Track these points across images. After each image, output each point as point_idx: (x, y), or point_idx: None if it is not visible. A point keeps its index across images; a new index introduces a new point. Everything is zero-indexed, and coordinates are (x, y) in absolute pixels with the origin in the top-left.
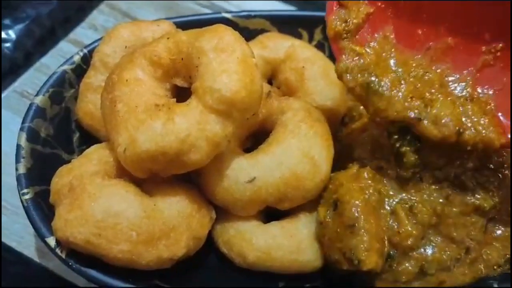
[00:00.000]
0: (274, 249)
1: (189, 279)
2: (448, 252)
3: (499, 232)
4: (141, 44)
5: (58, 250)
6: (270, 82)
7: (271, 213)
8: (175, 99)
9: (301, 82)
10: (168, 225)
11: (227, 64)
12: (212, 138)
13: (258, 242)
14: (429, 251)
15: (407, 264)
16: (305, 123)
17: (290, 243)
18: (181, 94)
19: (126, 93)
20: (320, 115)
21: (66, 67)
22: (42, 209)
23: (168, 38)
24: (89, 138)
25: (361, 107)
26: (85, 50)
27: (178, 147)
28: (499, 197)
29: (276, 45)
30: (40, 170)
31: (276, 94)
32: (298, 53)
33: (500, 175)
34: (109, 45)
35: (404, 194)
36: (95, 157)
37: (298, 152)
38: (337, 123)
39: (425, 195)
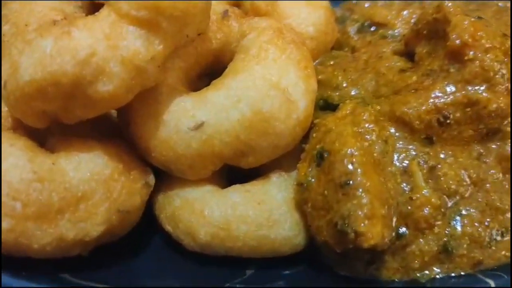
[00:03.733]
0: (234, 223)
1: (114, 271)
2: (488, 224)
3: None
4: None
5: None
6: None
7: (234, 176)
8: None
9: (273, 5)
10: (73, 192)
11: None
12: (130, 60)
13: (213, 214)
14: (457, 225)
15: (422, 241)
16: (274, 44)
17: (258, 213)
18: None
19: (15, 11)
20: (296, 36)
21: None
22: None
23: None
24: None
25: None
26: None
27: (76, 73)
28: None
29: None
30: None
31: (237, 15)
32: None
33: None
34: None
35: (423, 149)
36: None
37: (263, 82)
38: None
39: (450, 154)
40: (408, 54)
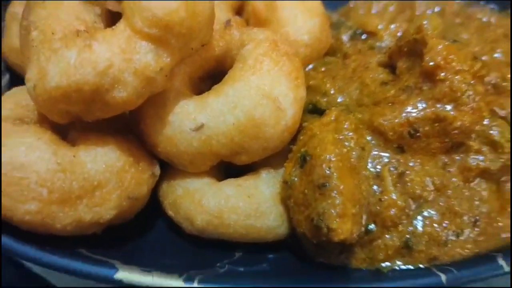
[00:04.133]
0: (226, 212)
1: (123, 248)
2: (447, 226)
3: None
4: None
5: None
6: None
7: (230, 170)
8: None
9: (272, 11)
10: (91, 181)
11: None
12: (142, 71)
13: (209, 204)
14: (418, 224)
15: (387, 236)
16: (268, 56)
17: (247, 205)
18: None
19: (43, 18)
20: (289, 48)
21: None
22: None
23: None
24: (23, 80)
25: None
26: None
27: (96, 82)
28: (509, 149)
29: None
30: None
31: (238, 24)
32: None
33: None
34: None
35: (395, 156)
36: (12, 100)
37: (256, 91)
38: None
39: (418, 163)
40: (391, 66)
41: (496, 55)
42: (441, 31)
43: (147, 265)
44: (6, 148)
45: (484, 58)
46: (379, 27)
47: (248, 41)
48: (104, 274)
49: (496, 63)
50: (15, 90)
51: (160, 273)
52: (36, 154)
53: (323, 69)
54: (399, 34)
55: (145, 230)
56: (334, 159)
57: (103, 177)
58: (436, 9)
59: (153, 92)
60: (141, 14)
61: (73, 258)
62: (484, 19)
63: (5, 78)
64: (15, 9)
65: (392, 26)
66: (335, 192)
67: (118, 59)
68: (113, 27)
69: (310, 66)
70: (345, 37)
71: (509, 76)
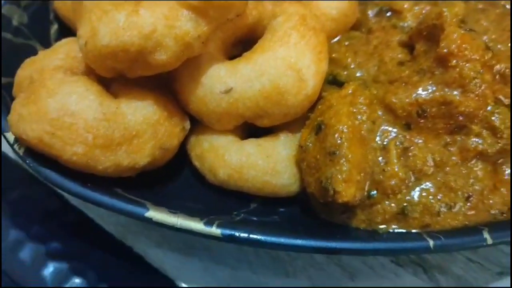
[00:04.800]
0: (246, 168)
1: (154, 191)
2: (441, 198)
3: (508, 173)
4: None
5: (16, 147)
6: None
7: (253, 130)
8: None
9: None
10: (130, 131)
11: None
12: (182, 37)
13: (231, 159)
14: (415, 195)
15: (387, 203)
16: (296, 30)
17: (265, 163)
18: None
19: None
20: (317, 23)
21: None
22: (5, 103)
23: None
24: (70, 31)
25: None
26: None
27: (140, 44)
28: (508, 135)
29: None
30: (9, 60)
31: None
32: None
33: None
34: None
35: (402, 132)
36: (63, 50)
37: (283, 62)
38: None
39: (422, 140)
40: (411, 46)
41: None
42: (462, 16)
43: (174, 208)
44: (59, 95)
45: (499, 46)
46: (405, 6)
47: (279, 13)
48: (137, 212)
49: (508, 53)
50: (67, 40)
51: (185, 215)
52: (85, 103)
53: (346, 43)
54: (421, 16)
55: (173, 177)
56: (346, 130)
57: (141, 128)
58: None
59: (190, 56)
60: None
61: (111, 196)
62: (507, 6)
63: (54, 28)
64: None
65: (416, 7)
66: (343, 160)
67: (161, 24)
68: None
69: (335, 39)
70: (371, 13)
71: None
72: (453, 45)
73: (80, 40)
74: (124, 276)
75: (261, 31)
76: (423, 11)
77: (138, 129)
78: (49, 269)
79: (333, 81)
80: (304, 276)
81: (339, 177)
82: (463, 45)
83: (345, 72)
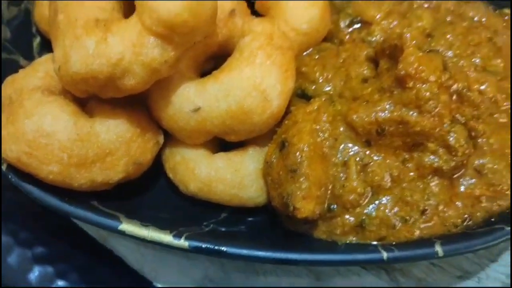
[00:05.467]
0: (215, 182)
1: (129, 202)
2: (397, 212)
3: (463, 187)
4: None
5: None
6: None
7: (225, 142)
8: (119, 15)
9: None
10: (103, 149)
11: None
12: (149, 64)
13: (201, 173)
14: (373, 209)
15: (346, 217)
16: (263, 50)
17: (233, 177)
18: None
19: (68, 4)
20: (284, 41)
21: None
22: None
23: None
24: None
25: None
26: None
27: (109, 72)
28: (464, 154)
29: None
30: None
31: (242, 12)
32: None
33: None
34: None
35: (362, 149)
36: (42, 68)
37: (248, 83)
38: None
39: (381, 157)
40: (376, 62)
41: (474, 59)
42: (430, 29)
43: (147, 220)
44: (35, 117)
45: (461, 62)
46: (377, 16)
47: (247, 32)
48: (110, 225)
49: (466, 73)
50: (46, 58)
51: (155, 228)
52: (60, 124)
53: (317, 56)
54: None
55: (149, 186)
56: (306, 149)
57: (114, 146)
58: (431, 4)
59: (158, 78)
60: (150, 14)
61: (86, 210)
62: (476, 18)
63: (36, 41)
64: None
65: (384, 22)
66: (303, 178)
67: (129, 52)
68: (127, 19)
69: (306, 53)
70: (343, 24)
71: (475, 86)
72: (410, 68)
73: (55, 64)
74: (105, 277)
75: (232, 47)
76: (391, 25)
77: (111, 147)
78: (35, 273)
79: (301, 95)
80: (273, 276)
81: (299, 194)
82: (420, 67)
83: (313, 87)
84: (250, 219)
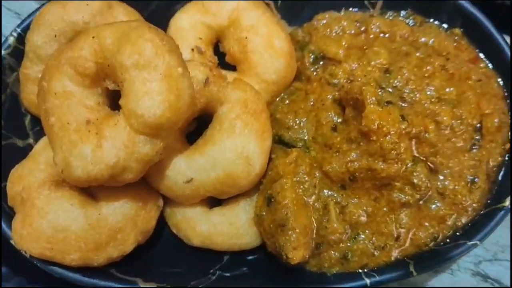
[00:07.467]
0: (215, 235)
1: (142, 262)
2: (374, 242)
3: (432, 208)
4: (71, 29)
5: (23, 251)
6: (218, 45)
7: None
8: (106, 109)
9: (245, 54)
10: (114, 230)
11: (150, 84)
12: (142, 159)
13: (201, 229)
14: (354, 242)
15: (332, 252)
16: (240, 120)
17: (230, 230)
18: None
19: (57, 107)
20: (257, 104)
21: (2, 52)
22: (4, 209)
23: (93, 38)
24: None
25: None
26: (19, 30)
27: (109, 173)
28: (426, 188)
29: (219, 9)
30: None
31: (216, 78)
32: (241, 19)
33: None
34: (39, 35)
35: (338, 192)
36: (42, 160)
37: (231, 153)
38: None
39: (356, 198)
40: (342, 105)
41: (429, 91)
42: (387, 64)
43: (161, 279)
44: (49, 215)
45: (417, 95)
46: (340, 53)
47: (224, 100)
48: None
49: (422, 116)
50: (43, 145)
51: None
52: (72, 218)
53: (287, 101)
54: (352, 73)
55: (156, 242)
56: (291, 205)
57: (122, 224)
58: (386, 34)
59: (151, 164)
60: (136, 119)
61: (107, 280)
62: (430, 43)
63: (27, 119)
64: (27, 70)
65: (346, 64)
66: (291, 232)
67: (123, 153)
68: (115, 120)
69: (278, 99)
70: (307, 61)
71: (430, 127)
72: (373, 125)
73: (57, 167)
74: None
75: (211, 109)
76: (353, 67)
77: (120, 226)
78: None
79: (279, 141)
80: None
81: (289, 245)
82: (381, 122)
83: (289, 133)
84: (250, 257)
